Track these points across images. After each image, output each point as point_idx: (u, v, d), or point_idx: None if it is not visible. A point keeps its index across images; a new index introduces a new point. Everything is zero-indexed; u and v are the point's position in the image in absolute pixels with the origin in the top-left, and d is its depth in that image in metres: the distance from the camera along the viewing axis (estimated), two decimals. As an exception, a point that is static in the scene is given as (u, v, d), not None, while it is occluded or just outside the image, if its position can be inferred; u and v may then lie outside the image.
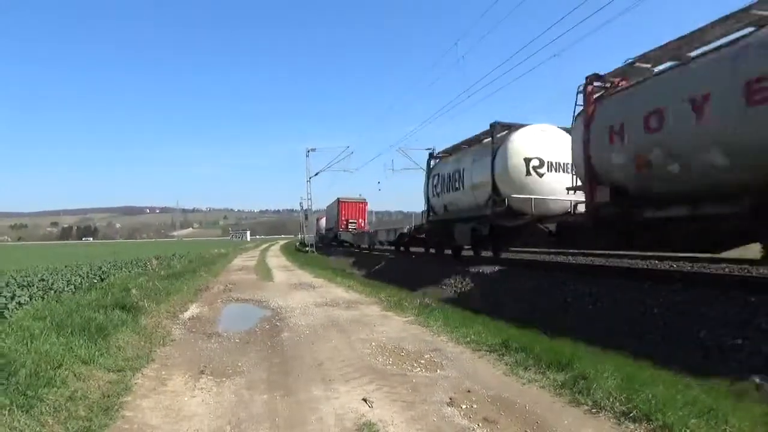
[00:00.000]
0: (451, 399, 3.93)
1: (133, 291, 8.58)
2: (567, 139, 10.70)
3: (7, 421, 3.03)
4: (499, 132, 12.15)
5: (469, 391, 4.10)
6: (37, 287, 9.01)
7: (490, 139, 12.58)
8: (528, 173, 11.25)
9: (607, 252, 13.08)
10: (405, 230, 19.45)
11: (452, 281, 11.48)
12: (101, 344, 5.08)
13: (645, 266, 10.40)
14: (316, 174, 43.26)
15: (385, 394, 4.09)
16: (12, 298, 7.02)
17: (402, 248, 21.54)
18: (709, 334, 5.28)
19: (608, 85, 8.46)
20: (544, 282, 9.13)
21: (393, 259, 19.30)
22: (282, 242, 76.61)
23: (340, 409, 3.76)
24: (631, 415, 3.40)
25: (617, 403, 3.57)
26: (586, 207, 8.93)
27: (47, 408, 3.35)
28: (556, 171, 11.31)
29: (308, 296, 10.70)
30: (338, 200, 36.54)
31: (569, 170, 10.56)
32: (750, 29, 6.03)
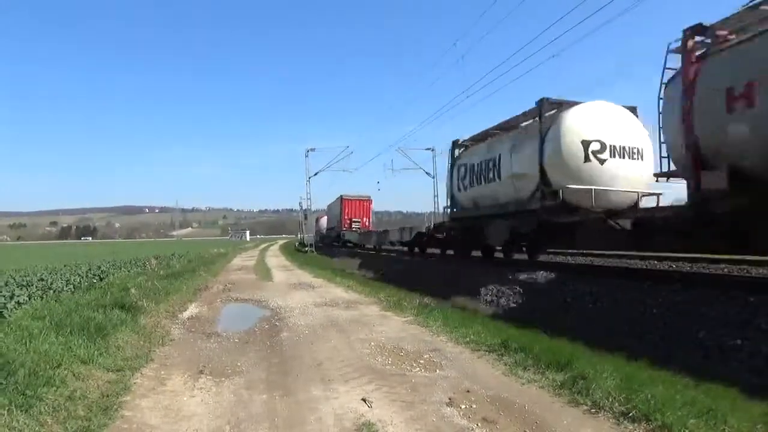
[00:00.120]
0: (450, 399, 3.93)
1: (133, 290, 8.57)
2: (632, 119, 9.93)
3: (6, 421, 3.03)
4: (548, 110, 10.25)
5: (468, 391, 4.10)
6: (36, 287, 8.99)
7: (533, 121, 10.96)
8: (587, 159, 9.41)
9: (618, 252, 12.39)
10: (423, 229, 17.69)
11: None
12: (100, 344, 5.08)
13: (644, 266, 10.41)
14: (316, 174, 42.76)
15: (384, 394, 4.09)
16: (11, 298, 7.01)
17: (416, 249, 19.79)
18: (708, 335, 5.29)
19: (713, 40, 6.77)
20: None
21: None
22: (281, 242, 76.55)
23: (339, 409, 3.76)
24: (630, 415, 3.40)
25: (616, 403, 3.57)
26: (690, 198, 7.09)
27: (46, 407, 3.34)
28: (620, 156, 9.51)
29: (307, 296, 10.69)
30: (341, 198, 34.56)
31: (636, 155, 9.56)
32: None
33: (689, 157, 6.80)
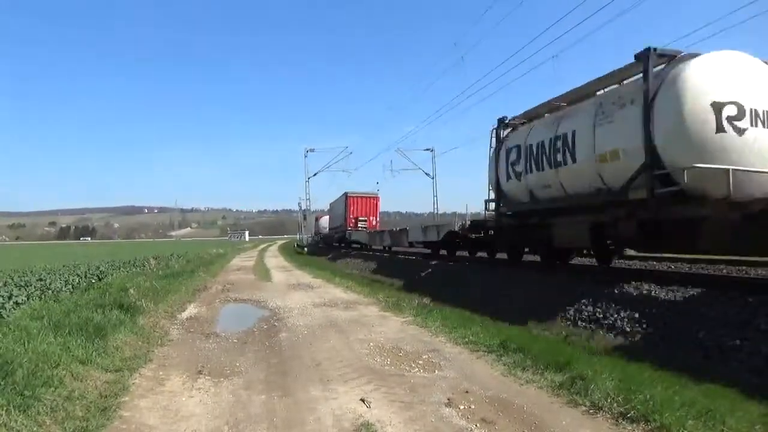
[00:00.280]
0: (449, 399, 3.92)
1: (131, 291, 8.56)
2: None
3: (4, 421, 3.02)
4: (657, 64, 7.58)
5: (467, 392, 4.10)
6: (34, 287, 8.99)
7: (630, 82, 8.47)
8: (719, 129, 6.82)
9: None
10: (456, 227, 15.13)
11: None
12: (99, 344, 5.07)
13: (643, 267, 10.41)
14: (315, 174, 42.59)
15: (383, 394, 4.09)
16: (9, 298, 7.00)
17: (441, 251, 17.26)
18: (708, 335, 5.28)
19: None
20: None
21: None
22: (281, 242, 76.54)
23: (338, 409, 3.76)
24: (629, 415, 3.40)
25: (615, 404, 3.57)
26: None
27: (44, 408, 3.34)
28: (765, 126, 6.95)
29: (306, 297, 10.69)
30: (346, 195, 31.54)
31: None
32: None
33: None
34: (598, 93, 9.33)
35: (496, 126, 12.40)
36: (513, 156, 11.20)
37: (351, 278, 15.11)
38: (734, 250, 8.03)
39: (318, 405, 3.86)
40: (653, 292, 6.78)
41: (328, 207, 42.46)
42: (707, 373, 4.45)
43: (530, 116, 11.50)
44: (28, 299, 7.44)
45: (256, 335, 6.70)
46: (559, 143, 9.34)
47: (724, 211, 6.58)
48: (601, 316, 6.74)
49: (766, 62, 7.43)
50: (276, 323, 7.52)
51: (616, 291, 7.17)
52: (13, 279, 10.90)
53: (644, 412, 3.37)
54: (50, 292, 8.71)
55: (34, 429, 3.09)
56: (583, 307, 7.16)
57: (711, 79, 6.98)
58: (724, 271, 9.12)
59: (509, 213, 11.93)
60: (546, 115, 10.83)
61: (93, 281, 10.98)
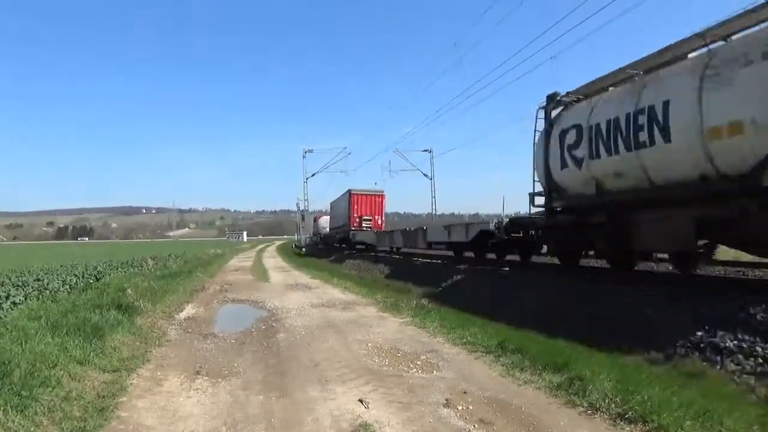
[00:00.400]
0: (447, 400, 3.93)
1: (129, 291, 8.54)
2: None
3: (1, 422, 3.01)
4: None
5: (465, 393, 4.11)
6: (32, 287, 8.96)
7: (730, 40, 6.68)
8: None
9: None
10: (491, 226, 12.90)
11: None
12: (96, 344, 5.07)
13: (642, 268, 10.42)
14: (313, 175, 42.51)
15: (381, 395, 4.09)
16: (7, 298, 6.98)
17: (466, 254, 15.59)
18: (707, 335, 5.29)
19: None
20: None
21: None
22: (279, 243, 76.50)
23: (336, 410, 3.76)
24: (626, 416, 3.41)
25: (613, 405, 3.58)
26: None
27: (42, 408, 3.33)
28: None
29: (304, 297, 10.68)
30: (350, 193, 28.93)
31: None
32: None
33: None
34: (690, 55, 7.37)
35: (544, 103, 10.21)
36: (570, 139, 9.15)
37: (349, 279, 15.10)
38: None
39: (316, 405, 3.86)
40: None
41: (329, 206, 40.60)
42: (704, 373, 4.44)
43: (593, 89, 9.46)
44: (25, 299, 7.42)
45: (254, 336, 6.69)
46: (642, 118, 7.39)
47: None
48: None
49: None
50: (274, 324, 7.51)
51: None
52: (10, 279, 10.86)
53: (642, 413, 3.38)
54: (48, 292, 8.68)
55: (32, 429, 3.08)
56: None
57: None
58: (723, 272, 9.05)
59: (558, 209, 10.08)
60: (625, 84, 8.54)
61: (91, 281, 10.95)
